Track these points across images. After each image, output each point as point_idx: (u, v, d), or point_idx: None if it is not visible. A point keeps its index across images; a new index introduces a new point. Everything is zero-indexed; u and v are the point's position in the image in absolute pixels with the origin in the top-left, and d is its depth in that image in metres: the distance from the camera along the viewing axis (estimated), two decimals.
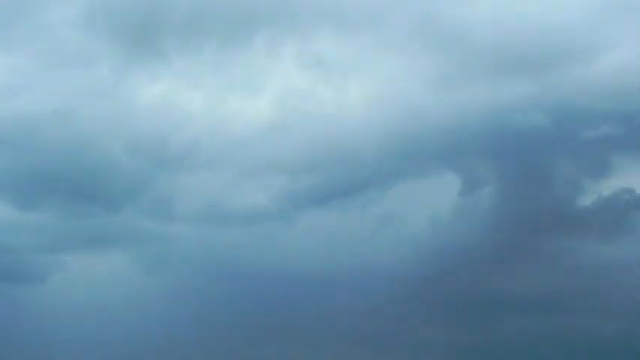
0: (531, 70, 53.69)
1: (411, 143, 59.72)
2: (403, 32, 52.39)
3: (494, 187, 58.85)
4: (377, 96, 60.52)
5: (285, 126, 61.38)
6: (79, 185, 57.44)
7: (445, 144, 59.62)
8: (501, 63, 55.09)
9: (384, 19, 48.78)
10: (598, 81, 48.93)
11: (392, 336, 39.56)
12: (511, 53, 53.57)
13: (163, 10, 41.45)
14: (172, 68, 52.80)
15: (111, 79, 56.33)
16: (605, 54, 50.72)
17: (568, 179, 57.34)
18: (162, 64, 52.93)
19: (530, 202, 58.03)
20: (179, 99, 51.45)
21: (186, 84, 57.45)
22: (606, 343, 43.31)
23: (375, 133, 60.82)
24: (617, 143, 54.40)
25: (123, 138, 56.31)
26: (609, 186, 50.90)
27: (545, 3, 44.02)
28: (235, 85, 59.96)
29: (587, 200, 56.75)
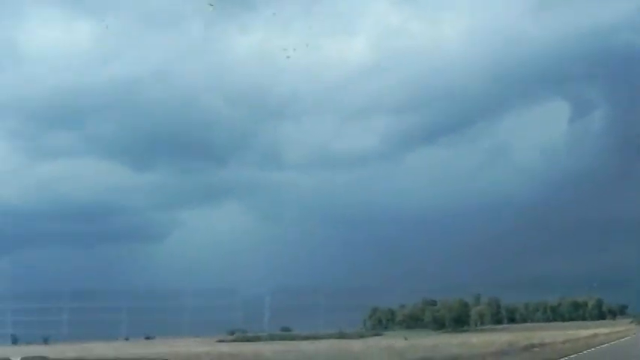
0: None
1: (513, 72, 58.38)
2: None
3: (603, 110, 57.51)
4: (472, 27, 59.35)
5: (384, 65, 60.15)
6: (185, 143, 58.35)
7: (549, 69, 58.04)
8: None
9: None
10: None
11: (513, 267, 38.98)
12: None
13: None
14: (261, 18, 52.24)
15: (201, 36, 56.24)
16: None
17: None
18: (251, 14, 52.21)
19: None
20: (272, 48, 51.34)
21: (278, 32, 56.12)
22: None
23: (475, 65, 59.59)
24: None
25: (222, 92, 56.58)
26: None
27: None
28: (328, 28, 58.72)
29: None
